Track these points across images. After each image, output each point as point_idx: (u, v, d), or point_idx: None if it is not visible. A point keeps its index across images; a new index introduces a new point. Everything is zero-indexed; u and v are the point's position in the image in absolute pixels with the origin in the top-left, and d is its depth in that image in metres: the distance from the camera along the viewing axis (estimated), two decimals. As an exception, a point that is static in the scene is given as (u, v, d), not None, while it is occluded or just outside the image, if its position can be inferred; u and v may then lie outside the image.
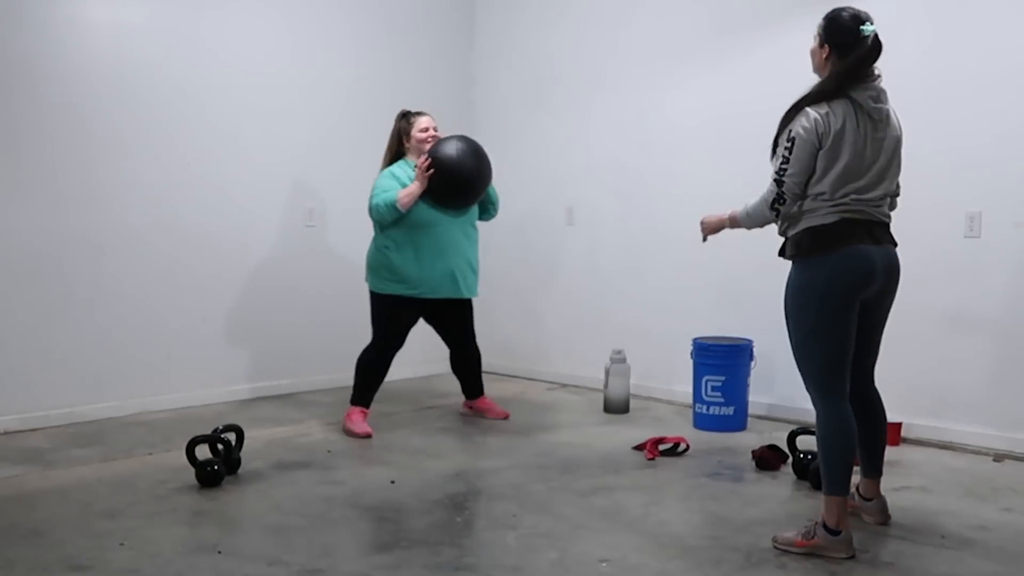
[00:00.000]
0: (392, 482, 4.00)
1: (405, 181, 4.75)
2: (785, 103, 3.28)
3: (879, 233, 3.24)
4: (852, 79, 3.17)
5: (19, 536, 3.34)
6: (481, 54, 6.62)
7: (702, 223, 3.57)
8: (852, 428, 3.22)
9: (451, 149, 4.71)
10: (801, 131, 3.14)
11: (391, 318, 4.86)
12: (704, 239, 3.63)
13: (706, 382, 4.97)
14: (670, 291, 5.65)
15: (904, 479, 4.06)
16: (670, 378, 5.57)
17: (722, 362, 4.96)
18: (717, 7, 5.46)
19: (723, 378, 4.92)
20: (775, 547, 3.24)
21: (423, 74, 6.22)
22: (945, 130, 4.60)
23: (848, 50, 3.17)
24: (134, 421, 5.03)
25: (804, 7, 5.08)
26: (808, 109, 3.17)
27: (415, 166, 4.77)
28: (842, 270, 3.16)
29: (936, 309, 4.65)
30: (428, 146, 4.83)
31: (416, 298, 4.81)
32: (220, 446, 4.03)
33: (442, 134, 4.91)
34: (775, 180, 3.20)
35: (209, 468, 3.90)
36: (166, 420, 5.06)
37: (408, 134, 4.87)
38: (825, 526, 3.17)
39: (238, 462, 4.08)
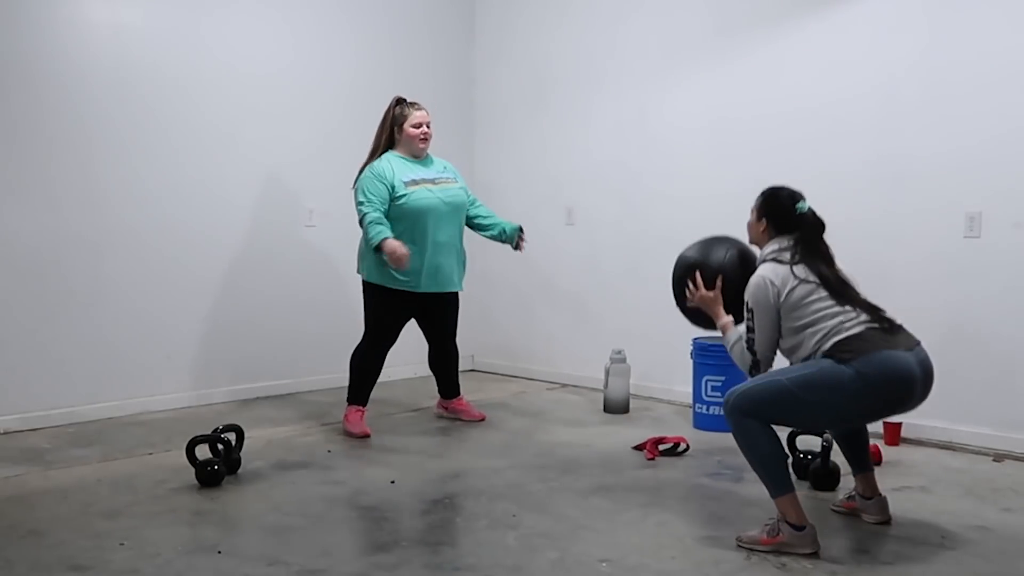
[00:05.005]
0: (392, 482, 4.00)
1: (394, 182, 4.68)
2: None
3: (904, 338, 3.25)
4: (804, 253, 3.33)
5: (19, 536, 3.34)
6: (481, 54, 6.62)
7: (701, 296, 3.58)
8: (770, 427, 3.24)
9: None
10: (757, 299, 3.30)
11: (382, 311, 4.83)
12: (686, 301, 3.69)
13: (706, 382, 4.97)
14: (670, 291, 5.63)
15: (904, 479, 4.06)
16: (670, 378, 5.56)
17: (722, 362, 4.94)
18: (717, 7, 5.45)
19: (723, 378, 4.91)
20: (739, 546, 3.24)
21: (423, 74, 6.21)
22: (945, 130, 4.60)
23: (783, 225, 3.41)
24: (134, 421, 5.03)
25: (804, 8, 5.09)
26: (759, 274, 3.33)
27: (412, 165, 4.76)
28: (881, 380, 3.13)
29: (936, 309, 4.64)
30: (421, 144, 4.80)
31: (406, 291, 4.78)
32: (220, 446, 4.03)
33: (435, 133, 4.88)
34: (747, 347, 3.35)
35: (209, 468, 3.90)
36: (166, 420, 5.07)
37: (401, 125, 4.80)
38: (787, 522, 3.18)
39: (238, 462, 4.09)
